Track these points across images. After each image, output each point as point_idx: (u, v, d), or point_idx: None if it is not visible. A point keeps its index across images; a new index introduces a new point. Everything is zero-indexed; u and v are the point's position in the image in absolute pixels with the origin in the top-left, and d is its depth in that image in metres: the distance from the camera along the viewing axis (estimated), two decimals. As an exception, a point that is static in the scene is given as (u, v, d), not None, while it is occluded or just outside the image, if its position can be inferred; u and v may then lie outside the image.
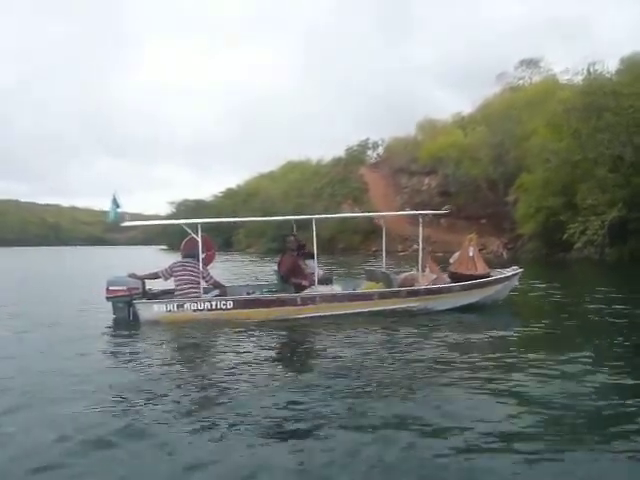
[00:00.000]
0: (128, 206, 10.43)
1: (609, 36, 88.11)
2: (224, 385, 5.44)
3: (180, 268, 9.70)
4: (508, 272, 10.58)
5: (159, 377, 5.81)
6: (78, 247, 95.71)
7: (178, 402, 4.91)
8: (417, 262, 10.57)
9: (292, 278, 10.07)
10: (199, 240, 9.63)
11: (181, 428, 4.25)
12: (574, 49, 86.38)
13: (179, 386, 5.47)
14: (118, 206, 9.97)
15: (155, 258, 40.01)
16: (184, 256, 10.05)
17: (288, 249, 10.53)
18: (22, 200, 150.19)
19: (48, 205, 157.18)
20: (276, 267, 11.03)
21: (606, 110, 25.35)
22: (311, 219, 10.27)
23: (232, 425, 4.28)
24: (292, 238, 10.69)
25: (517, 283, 11.06)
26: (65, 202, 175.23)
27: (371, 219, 39.01)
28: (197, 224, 9.81)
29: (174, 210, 79.07)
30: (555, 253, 28.68)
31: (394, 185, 57.11)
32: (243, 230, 58.63)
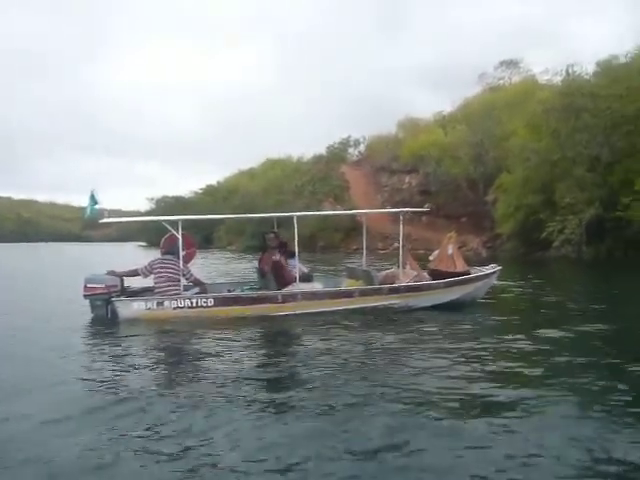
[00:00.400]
0: (108, 202, 10.25)
1: (586, 39, 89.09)
2: (202, 383, 5.41)
3: (160, 265, 9.57)
4: (487, 270, 10.70)
5: (137, 376, 5.75)
6: (50, 244, 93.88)
7: (154, 400, 4.85)
8: (397, 260, 10.60)
9: (273, 275, 10.00)
10: (179, 237, 9.52)
11: (158, 425, 4.22)
12: (553, 51, 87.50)
13: (157, 384, 5.43)
14: (96, 202, 9.80)
15: (134, 255, 39.61)
16: (164, 253, 9.94)
17: (269, 246, 10.47)
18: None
19: (24, 200, 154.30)
20: (257, 264, 10.97)
21: (584, 111, 25.73)
22: (292, 216, 10.20)
23: (207, 423, 4.26)
24: (273, 235, 10.63)
25: (495, 281, 11.19)
26: (43, 198, 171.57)
27: (352, 217, 39.13)
28: (178, 221, 9.69)
29: (154, 206, 78.39)
30: (533, 252, 29.01)
31: (375, 183, 57.29)
32: (223, 227, 58.30)
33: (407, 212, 12.04)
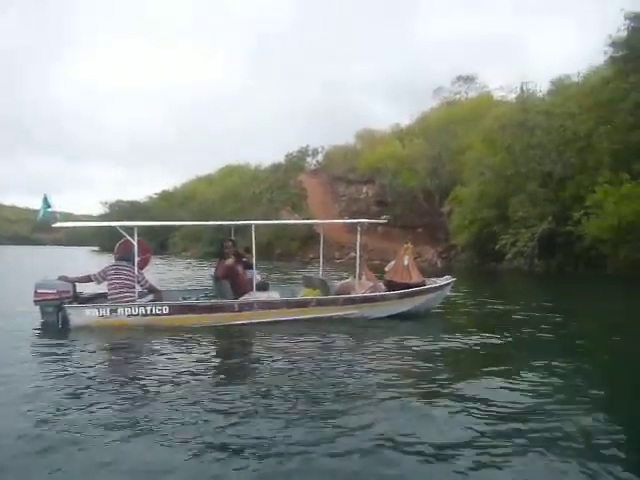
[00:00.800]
0: (59, 205, 9.96)
1: (539, 57, 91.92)
2: (153, 394, 5.27)
3: (114, 271, 9.32)
4: (441, 281, 10.85)
5: (87, 385, 5.55)
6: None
7: (104, 410, 4.74)
8: (354, 270, 10.67)
9: (229, 283, 9.90)
10: (135, 243, 9.33)
11: (103, 437, 4.12)
12: (506, 67, 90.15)
13: (107, 393, 5.26)
14: (49, 206, 9.55)
15: (86, 260, 38.65)
16: (118, 259, 9.71)
17: (226, 254, 10.35)
18: None
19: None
20: (213, 272, 10.86)
21: (538, 128, 26.45)
22: (251, 225, 10.18)
23: (155, 434, 4.19)
24: (230, 243, 10.50)
25: (449, 292, 11.40)
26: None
27: (309, 226, 39.17)
28: (133, 227, 9.48)
29: (107, 210, 76.58)
30: (487, 263, 29.62)
31: (332, 192, 57.52)
32: (179, 233, 57.57)
33: (365, 223, 12.09)
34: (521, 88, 31.96)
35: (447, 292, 11.23)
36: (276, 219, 35.99)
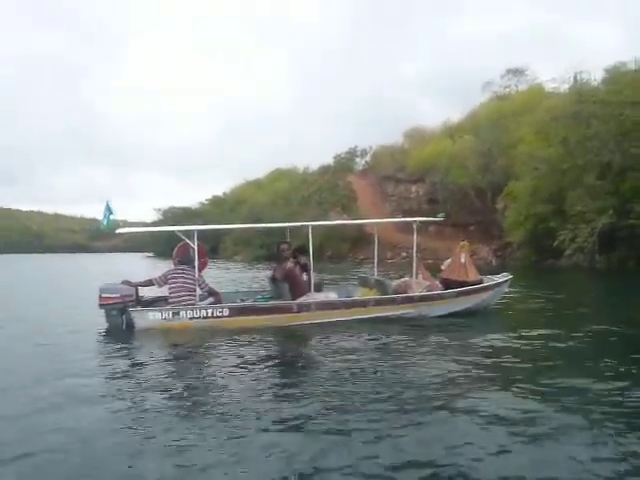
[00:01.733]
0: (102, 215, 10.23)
1: (591, 47, 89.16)
2: (219, 395, 5.38)
3: (175, 275, 9.52)
4: (499, 279, 10.76)
5: (157, 386, 5.71)
6: (61, 254, 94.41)
7: (175, 410, 4.89)
8: (407, 269, 10.62)
9: (288, 285, 9.95)
10: (195, 247, 9.50)
11: (174, 435, 4.24)
12: (556, 59, 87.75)
13: (177, 394, 5.43)
14: (112, 213, 9.83)
15: (143, 265, 39.58)
16: (179, 263, 9.89)
17: (282, 257, 10.43)
18: (4, 207, 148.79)
19: (31, 212, 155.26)
20: (271, 274, 10.94)
21: (595, 118, 25.58)
22: (308, 226, 10.22)
23: (222, 436, 4.24)
24: (286, 245, 10.59)
25: (507, 289, 11.24)
26: (49, 209, 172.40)
27: (359, 226, 39.07)
28: (194, 231, 9.70)
29: (161, 217, 78.22)
30: (544, 260, 28.81)
31: (381, 192, 57.20)
32: (230, 237, 58.23)
33: (420, 222, 11.94)
34: (574, 78, 31.02)
35: (505, 290, 11.13)
36: (326, 221, 35.97)
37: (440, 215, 12.70)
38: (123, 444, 4.09)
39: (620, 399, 4.98)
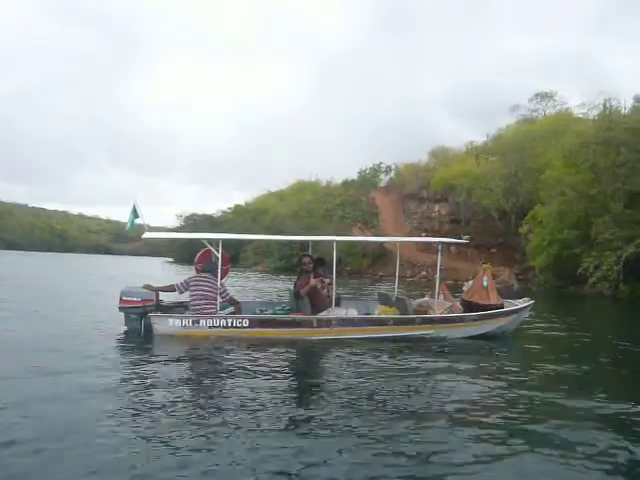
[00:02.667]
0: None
1: (620, 74, 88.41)
2: (234, 406, 5.35)
3: (197, 282, 9.48)
4: (520, 304, 10.57)
5: (174, 394, 5.70)
6: (84, 255, 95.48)
7: (188, 419, 4.85)
8: (426, 288, 10.48)
9: (309, 300, 9.89)
10: (219, 255, 9.50)
11: (184, 444, 4.24)
12: (583, 85, 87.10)
13: (193, 403, 5.41)
14: (137, 216, 9.84)
15: (165, 270, 39.86)
16: (202, 270, 9.88)
17: (304, 270, 10.38)
18: (30, 205, 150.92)
19: (56, 211, 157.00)
20: (292, 287, 10.90)
21: (625, 145, 25.26)
22: (332, 241, 10.22)
23: (233, 449, 4.22)
24: (308, 259, 10.51)
25: (527, 315, 11.07)
26: (73, 209, 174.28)
27: (380, 244, 38.96)
28: (219, 239, 9.72)
29: (182, 223, 78.68)
30: (566, 286, 28.39)
31: (403, 210, 57.10)
32: (250, 247, 58.44)
33: (445, 242, 11.79)
34: (604, 105, 30.75)
35: (525, 315, 10.95)
36: (348, 236, 35.90)
37: (465, 237, 12.56)
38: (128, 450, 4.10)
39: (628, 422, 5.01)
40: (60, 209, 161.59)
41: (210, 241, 9.85)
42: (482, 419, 5.15)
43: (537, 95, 53.13)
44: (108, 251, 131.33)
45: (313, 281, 9.93)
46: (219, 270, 9.46)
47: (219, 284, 9.47)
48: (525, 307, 10.60)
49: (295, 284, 10.47)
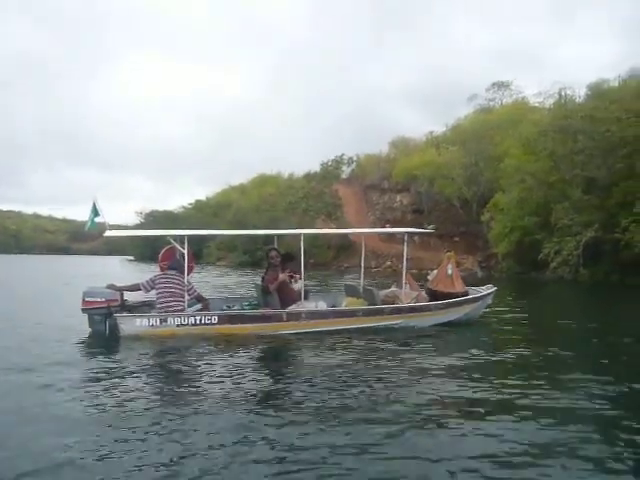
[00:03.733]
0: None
1: (571, 63, 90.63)
2: (208, 403, 5.26)
3: (163, 280, 9.19)
4: (484, 291, 10.81)
5: (145, 395, 5.54)
6: (39, 256, 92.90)
7: (153, 421, 4.70)
8: (391, 278, 10.57)
9: (278, 294, 9.77)
10: (185, 252, 9.26)
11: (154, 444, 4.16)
12: (537, 74, 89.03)
13: (161, 403, 5.27)
14: (97, 214, 9.48)
15: (124, 268, 39.08)
16: (167, 267, 9.61)
17: (272, 264, 10.24)
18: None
19: (9, 211, 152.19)
20: (259, 282, 10.77)
21: (581, 133, 25.78)
22: (299, 234, 10.14)
23: (206, 441, 4.22)
24: (275, 253, 10.38)
25: (490, 301, 11.26)
26: (27, 209, 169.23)
27: (344, 235, 39.06)
28: (184, 236, 9.48)
29: (142, 220, 77.28)
30: (528, 272, 28.91)
31: (366, 201, 57.33)
32: (214, 243, 57.87)
33: (411, 233, 11.86)
34: (559, 93, 31.35)
35: (489, 302, 11.14)
36: (312, 228, 35.79)
37: (431, 227, 12.73)
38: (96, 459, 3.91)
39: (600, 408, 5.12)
40: (14, 209, 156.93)
41: (175, 238, 9.61)
42: (451, 412, 5.14)
43: (494, 85, 53.97)
44: (66, 251, 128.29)
45: (282, 276, 9.83)
46: (186, 267, 9.23)
47: (186, 281, 9.23)
48: (489, 294, 10.82)
49: (263, 279, 10.32)
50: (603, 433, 4.50)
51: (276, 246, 10.95)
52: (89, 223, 9.51)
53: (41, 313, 11.78)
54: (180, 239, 9.54)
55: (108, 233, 9.45)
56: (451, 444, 4.18)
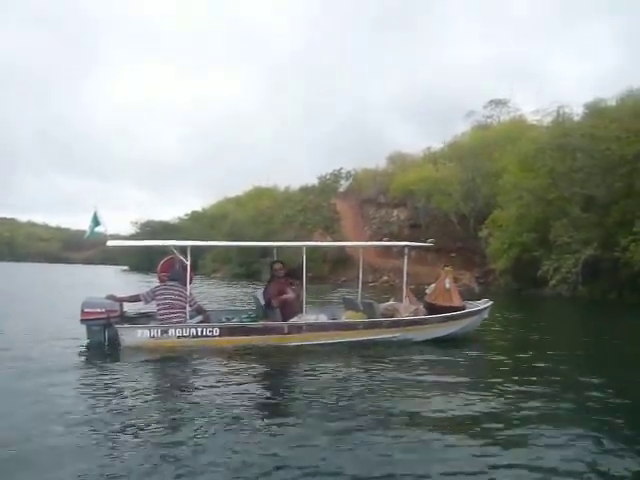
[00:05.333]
0: (87, 225, 9.77)
1: (568, 81, 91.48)
2: (210, 415, 5.26)
3: (164, 291, 9.10)
4: (481, 305, 10.96)
5: (146, 409, 5.49)
6: (34, 264, 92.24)
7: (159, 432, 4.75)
8: (390, 293, 10.64)
9: (280, 307, 9.74)
10: (188, 263, 9.17)
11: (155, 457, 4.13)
12: (536, 91, 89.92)
13: (169, 413, 5.32)
14: (98, 224, 9.43)
15: (118, 278, 38.88)
16: (167, 278, 9.51)
17: (275, 276, 10.26)
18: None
19: (3, 219, 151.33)
20: (256, 293, 10.78)
21: (580, 151, 25.85)
22: (302, 247, 10.19)
23: (206, 455, 4.22)
24: (279, 265, 10.42)
25: (487, 315, 11.38)
26: (21, 217, 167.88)
27: (341, 249, 39.06)
28: (187, 247, 9.43)
29: (138, 230, 76.97)
30: (526, 288, 28.83)
31: (362, 215, 57.31)
32: (209, 255, 57.65)
33: (412, 247, 11.98)
34: (557, 111, 31.50)
35: (485, 316, 11.25)
36: (309, 241, 35.70)
37: (430, 240, 12.85)
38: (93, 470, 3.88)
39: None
40: (7, 216, 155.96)
41: (178, 248, 9.55)
42: (453, 424, 5.19)
43: (491, 102, 54.28)
44: (60, 260, 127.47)
45: (292, 295, 9.86)
46: (187, 278, 9.13)
47: (188, 292, 9.12)
48: (485, 308, 10.96)
49: (265, 291, 10.27)
50: (598, 451, 4.53)
51: (275, 259, 10.95)
52: (89, 232, 9.48)
53: (38, 325, 11.58)
54: (182, 249, 9.46)
55: (110, 243, 9.38)
56: (445, 460, 4.21)
